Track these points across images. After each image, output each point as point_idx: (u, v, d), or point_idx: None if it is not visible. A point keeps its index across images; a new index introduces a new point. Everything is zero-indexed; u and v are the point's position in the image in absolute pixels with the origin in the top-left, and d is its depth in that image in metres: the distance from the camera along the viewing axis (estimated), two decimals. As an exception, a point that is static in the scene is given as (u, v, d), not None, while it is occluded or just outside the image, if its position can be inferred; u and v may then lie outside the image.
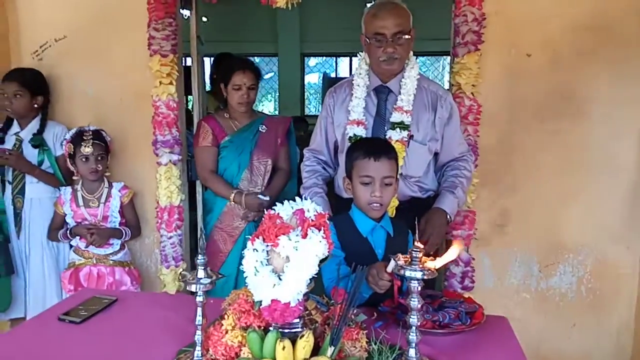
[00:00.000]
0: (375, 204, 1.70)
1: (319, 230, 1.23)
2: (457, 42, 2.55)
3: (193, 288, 1.24)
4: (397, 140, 2.04)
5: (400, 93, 2.09)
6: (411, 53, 2.12)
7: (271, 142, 2.72)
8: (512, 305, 2.69)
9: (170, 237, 2.71)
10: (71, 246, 2.62)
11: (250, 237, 1.26)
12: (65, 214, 2.55)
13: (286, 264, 1.20)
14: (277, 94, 9.87)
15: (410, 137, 2.08)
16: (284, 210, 1.29)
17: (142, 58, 2.71)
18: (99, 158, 2.50)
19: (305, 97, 10.21)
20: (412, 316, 1.24)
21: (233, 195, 2.58)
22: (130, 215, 2.64)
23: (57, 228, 2.59)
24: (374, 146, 1.74)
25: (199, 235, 1.27)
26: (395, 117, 2.07)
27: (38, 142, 2.63)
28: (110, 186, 2.59)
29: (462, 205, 2.30)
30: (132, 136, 2.82)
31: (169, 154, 2.70)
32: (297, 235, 1.21)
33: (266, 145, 2.70)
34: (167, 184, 2.69)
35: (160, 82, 2.65)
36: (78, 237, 2.54)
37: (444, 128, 2.14)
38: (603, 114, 2.57)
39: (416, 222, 1.36)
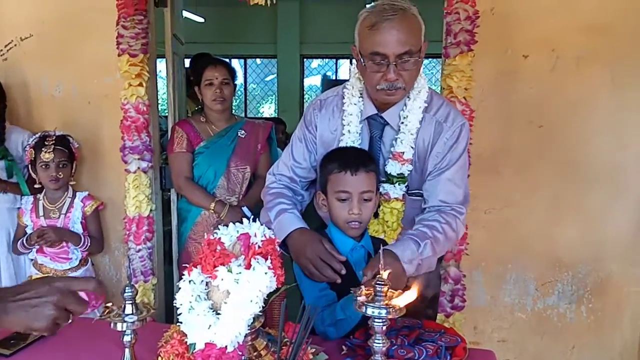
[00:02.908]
0: (354, 222, 1.52)
1: (266, 259, 1.04)
2: (448, 42, 2.38)
3: (119, 327, 1.05)
4: (395, 199, 1.64)
5: (399, 129, 1.60)
6: (421, 72, 1.59)
7: (250, 148, 2.58)
8: (506, 326, 2.53)
9: (139, 250, 2.52)
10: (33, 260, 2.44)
11: None
12: (27, 225, 2.37)
13: (225, 299, 1.02)
14: (276, 97, 9.71)
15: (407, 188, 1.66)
16: (228, 234, 1.11)
17: (112, 58, 2.54)
18: (61, 165, 2.33)
19: (305, 99, 10.02)
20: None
21: (214, 205, 2.43)
22: (93, 228, 2.45)
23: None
24: (351, 158, 1.55)
25: (125, 264, 1.09)
26: (392, 167, 1.62)
27: (2, 154, 2.46)
28: (74, 196, 2.41)
29: (425, 270, 1.54)
30: (102, 142, 2.67)
31: (138, 160, 2.54)
32: (239, 266, 1.03)
33: (245, 152, 2.56)
34: (136, 193, 2.52)
35: (129, 84, 2.48)
36: (35, 250, 2.36)
37: (440, 160, 1.61)
38: (606, 120, 2.39)
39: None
